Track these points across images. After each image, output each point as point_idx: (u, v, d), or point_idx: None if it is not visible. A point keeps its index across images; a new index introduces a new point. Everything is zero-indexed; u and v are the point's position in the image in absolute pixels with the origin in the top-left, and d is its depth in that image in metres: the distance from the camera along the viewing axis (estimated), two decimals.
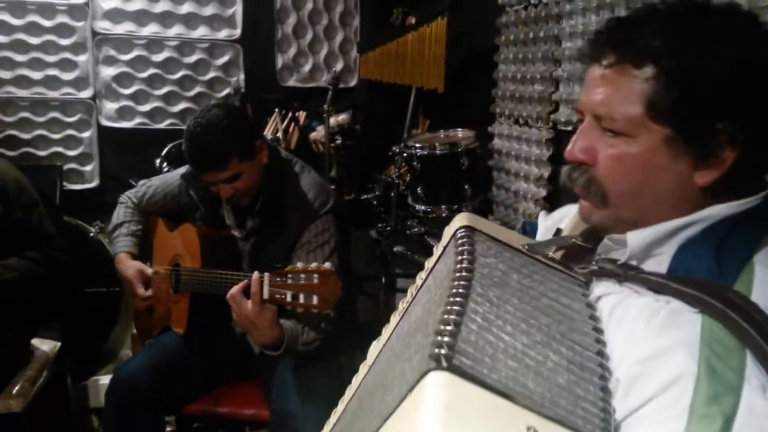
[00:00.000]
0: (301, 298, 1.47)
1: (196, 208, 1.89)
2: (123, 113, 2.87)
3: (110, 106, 2.84)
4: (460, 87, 2.42)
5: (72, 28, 2.76)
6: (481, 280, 0.63)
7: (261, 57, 3.02)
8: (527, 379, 0.53)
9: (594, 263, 0.75)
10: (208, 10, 2.90)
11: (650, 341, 0.59)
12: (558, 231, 0.88)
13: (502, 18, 2.19)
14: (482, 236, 0.74)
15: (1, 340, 1.89)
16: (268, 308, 1.54)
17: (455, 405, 0.48)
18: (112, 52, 2.81)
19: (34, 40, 2.72)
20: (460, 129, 2.18)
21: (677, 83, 0.68)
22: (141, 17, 2.83)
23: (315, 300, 1.46)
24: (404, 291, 0.84)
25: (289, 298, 1.48)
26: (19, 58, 2.71)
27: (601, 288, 0.72)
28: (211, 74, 2.96)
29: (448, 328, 0.54)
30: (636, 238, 0.73)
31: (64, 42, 2.76)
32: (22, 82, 2.73)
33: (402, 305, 0.83)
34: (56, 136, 2.81)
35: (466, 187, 2.03)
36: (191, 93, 2.94)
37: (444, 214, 2.04)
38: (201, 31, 2.91)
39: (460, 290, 0.60)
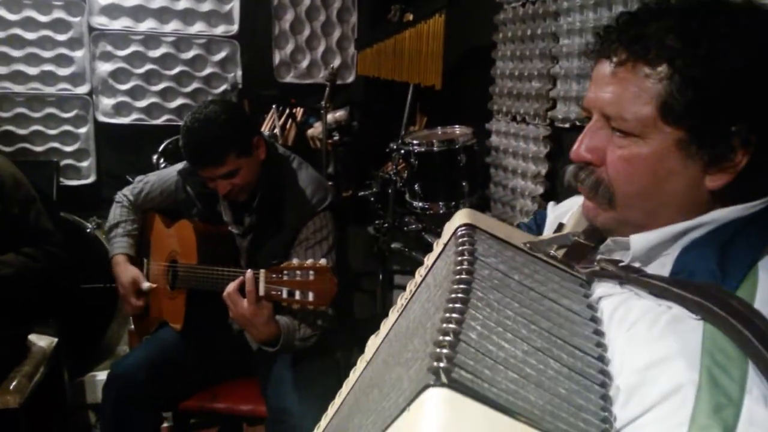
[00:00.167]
0: (297, 295, 1.48)
1: (193, 205, 1.89)
2: (120, 109, 2.86)
3: (107, 101, 2.83)
4: (458, 84, 2.42)
5: (68, 23, 2.75)
6: (481, 282, 0.62)
7: (258, 53, 3.01)
8: (528, 390, 0.52)
9: (596, 263, 0.73)
10: (205, 6, 2.89)
11: (651, 348, 0.58)
12: (560, 226, 0.86)
13: (500, 15, 2.19)
14: (483, 234, 0.73)
15: None
16: (265, 305, 1.54)
17: (455, 425, 0.47)
18: (109, 48, 2.80)
19: (31, 36, 2.71)
20: (457, 126, 2.18)
21: (692, 84, 0.66)
22: (138, 13, 2.82)
23: (311, 297, 1.47)
24: (401, 287, 0.84)
25: (284, 295, 1.49)
26: (15, 53, 2.69)
27: (602, 289, 0.70)
28: (209, 70, 2.95)
29: (447, 338, 0.52)
30: (640, 241, 0.72)
31: (61, 37, 2.75)
32: (18, 77, 2.71)
33: (401, 301, 0.82)
34: (53, 132, 2.80)
35: (464, 184, 2.03)
36: (188, 89, 2.93)
37: (441, 211, 2.04)
38: (198, 27, 2.90)
39: (460, 294, 0.58)
